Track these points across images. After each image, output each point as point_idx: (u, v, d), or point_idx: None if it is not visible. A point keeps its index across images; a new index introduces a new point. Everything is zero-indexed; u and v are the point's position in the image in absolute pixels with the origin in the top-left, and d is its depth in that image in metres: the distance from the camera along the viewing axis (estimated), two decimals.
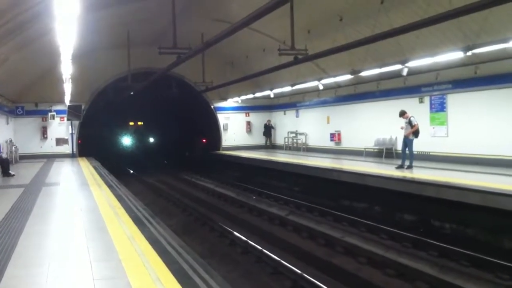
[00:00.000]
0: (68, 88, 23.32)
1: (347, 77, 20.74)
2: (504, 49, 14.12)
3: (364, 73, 19.51)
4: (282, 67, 18.33)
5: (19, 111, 27.30)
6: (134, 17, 20.92)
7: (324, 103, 26.52)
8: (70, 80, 21.36)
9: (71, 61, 16.75)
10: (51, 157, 27.26)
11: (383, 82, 20.87)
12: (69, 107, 27.33)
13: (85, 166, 22.58)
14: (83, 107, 27.84)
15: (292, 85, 24.71)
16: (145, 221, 9.11)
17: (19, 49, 17.76)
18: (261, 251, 10.70)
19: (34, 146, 27.84)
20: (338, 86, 24.06)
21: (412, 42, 16.50)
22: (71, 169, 21.42)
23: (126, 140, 40.48)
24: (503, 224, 10.86)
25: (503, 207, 10.59)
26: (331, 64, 21.39)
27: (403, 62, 16.85)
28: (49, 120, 27.87)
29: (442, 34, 15.42)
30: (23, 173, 19.18)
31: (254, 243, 11.34)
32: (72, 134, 28.45)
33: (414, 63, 16.66)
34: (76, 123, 28.27)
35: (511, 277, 8.72)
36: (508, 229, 10.79)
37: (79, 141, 29.10)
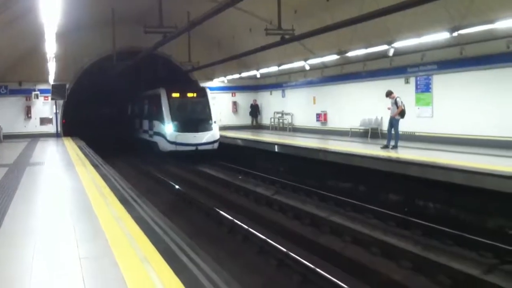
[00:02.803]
0: (52, 67, 23.05)
1: (334, 57, 20.75)
2: (490, 30, 14.20)
3: (350, 54, 19.54)
4: (269, 47, 18.27)
5: (2, 91, 26.97)
6: None
7: (310, 84, 26.52)
8: (54, 59, 21.10)
9: (55, 39, 16.53)
10: (35, 137, 27.04)
11: (370, 63, 20.91)
12: (53, 86, 27.00)
13: (70, 145, 22.44)
14: (67, 86, 27.51)
15: (279, 65, 24.67)
16: (132, 201, 9.09)
17: (2, 28, 17.49)
18: (247, 230, 10.76)
19: (18, 125, 27.59)
20: (324, 66, 24.05)
21: (398, 23, 16.50)
22: (55, 148, 21.27)
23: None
24: (487, 204, 11.02)
25: (487, 186, 10.74)
26: (318, 44, 21.34)
27: (389, 43, 16.90)
28: (33, 100, 27.55)
29: (429, 15, 15.43)
30: (7, 153, 19.03)
31: (241, 222, 11.41)
32: (56, 113, 28.20)
33: (400, 44, 16.71)
34: (61, 102, 27.99)
35: (494, 255, 8.85)
36: (491, 209, 10.94)
37: (64, 121, 28.84)
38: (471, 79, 16.67)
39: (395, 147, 16.30)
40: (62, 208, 8.56)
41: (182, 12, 20.83)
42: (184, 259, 5.61)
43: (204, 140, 22.92)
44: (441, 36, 15.17)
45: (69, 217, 7.81)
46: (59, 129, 28.36)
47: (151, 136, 25.06)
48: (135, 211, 8.19)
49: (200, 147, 22.75)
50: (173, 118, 23.02)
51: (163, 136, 23.04)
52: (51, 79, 26.12)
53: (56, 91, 27.09)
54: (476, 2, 14.16)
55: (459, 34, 14.87)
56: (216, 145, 23.37)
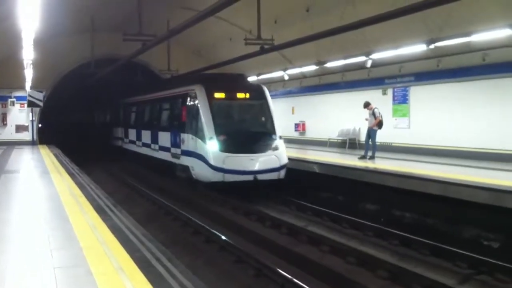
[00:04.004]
0: (29, 74, 22.77)
1: (313, 67, 20.87)
2: (466, 43, 14.44)
3: (329, 64, 19.69)
4: (249, 57, 18.31)
5: None
6: (98, 2, 20.53)
7: (289, 93, 26.63)
8: (32, 66, 20.86)
9: (32, 46, 16.35)
10: (10, 144, 26.61)
11: (348, 74, 21.08)
12: (30, 93, 26.67)
13: (46, 153, 22.15)
14: (44, 93, 27.19)
15: (258, 75, 24.72)
16: (107, 210, 9.01)
17: None
18: (224, 240, 10.70)
19: None
20: (303, 76, 24.18)
21: (377, 34, 16.67)
22: (31, 156, 20.98)
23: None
24: (463, 214, 11.13)
25: (463, 197, 10.88)
26: (297, 55, 21.45)
27: (367, 54, 17.07)
28: (9, 107, 27.13)
29: (407, 27, 15.62)
30: None
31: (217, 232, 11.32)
32: (32, 121, 27.84)
33: (378, 55, 16.89)
34: (37, 110, 27.64)
35: (469, 265, 8.93)
36: (467, 219, 11.06)
37: (40, 128, 28.50)
38: (447, 91, 16.91)
39: (372, 157, 16.43)
40: (37, 216, 8.44)
41: (162, 20, 20.78)
42: (160, 268, 5.57)
43: (266, 166, 15.31)
44: (419, 48, 15.38)
45: (44, 225, 7.71)
46: (35, 137, 27.99)
47: (175, 156, 17.82)
48: (110, 219, 8.11)
49: (260, 177, 15.13)
50: (219, 131, 15.40)
51: (202, 159, 15.42)
52: (28, 86, 25.79)
53: (33, 98, 26.74)
54: (453, 15, 14.38)
55: (436, 47, 15.09)
56: (283, 173, 15.64)
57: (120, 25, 20.23)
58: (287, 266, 9.12)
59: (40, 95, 26.80)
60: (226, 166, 14.89)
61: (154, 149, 20.68)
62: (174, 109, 18.75)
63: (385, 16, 11.43)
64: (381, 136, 17.60)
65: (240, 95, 16.55)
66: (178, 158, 17.50)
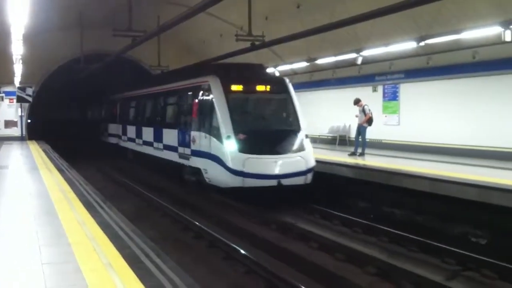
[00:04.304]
0: (18, 69, 22.63)
1: (303, 64, 20.89)
2: (456, 41, 14.50)
3: (320, 61, 19.71)
4: (239, 53, 18.27)
5: None
6: None
7: None
8: (21, 61, 20.74)
9: (21, 42, 16.27)
10: None
11: (339, 71, 21.11)
12: (19, 88, 26.51)
13: (35, 149, 22.03)
14: (33, 88, 27.03)
15: None
16: (97, 206, 8.98)
17: None
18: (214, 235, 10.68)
19: None
20: (294, 73, 24.17)
21: (367, 31, 16.71)
22: (20, 152, 20.85)
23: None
24: (452, 211, 11.19)
25: (452, 194, 10.94)
26: (288, 51, 21.46)
27: (358, 51, 17.11)
28: None
29: (397, 25, 15.68)
30: None
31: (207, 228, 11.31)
32: (21, 116, 27.67)
33: (368, 52, 16.94)
34: (26, 105, 27.48)
35: (457, 262, 8.99)
36: (456, 216, 11.13)
37: (29, 123, 28.36)
38: (437, 88, 16.98)
39: (362, 154, 16.49)
40: (26, 212, 8.40)
41: (152, 16, 20.70)
42: (148, 264, 5.55)
43: (291, 169, 13.43)
44: (409, 45, 15.44)
45: (32, 221, 7.67)
46: (24, 132, 27.83)
47: (184, 156, 15.95)
48: (99, 216, 8.08)
49: (285, 181, 13.24)
50: (237, 129, 13.59)
51: (217, 160, 13.59)
52: (17, 81, 25.63)
53: (22, 94, 26.59)
54: (442, 12, 14.44)
55: (426, 44, 15.15)
56: (310, 178, 13.83)
57: (110, 20, 20.13)
58: None
59: (29, 90, 26.63)
60: (246, 169, 13.02)
61: (157, 148, 18.90)
62: (183, 103, 16.77)
63: (375, 13, 11.45)
64: (371, 133, 17.66)
65: (260, 88, 14.63)
66: (187, 159, 15.61)
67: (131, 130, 23.14)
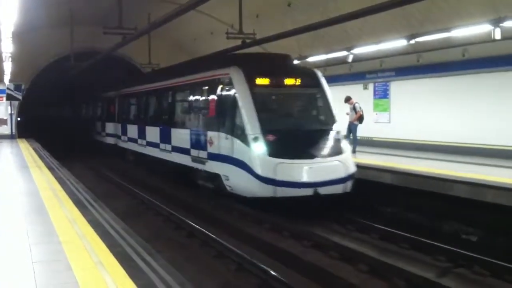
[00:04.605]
0: (8, 67, 22.49)
1: (294, 62, 20.88)
2: (446, 39, 14.57)
3: (310, 59, 19.72)
4: (230, 51, 18.26)
5: None
6: None
7: None
8: (10, 59, 20.61)
9: (11, 39, 16.17)
10: None
11: (329, 68, 21.12)
12: (8, 86, 26.33)
13: (25, 147, 21.91)
14: (23, 86, 26.87)
15: None
16: (87, 204, 8.95)
17: None
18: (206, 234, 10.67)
19: None
20: None
21: (358, 29, 16.75)
22: (10, 150, 20.74)
23: None
24: (442, 208, 11.25)
25: (442, 191, 11.01)
26: (279, 49, 21.38)
27: (349, 49, 17.15)
28: None
29: (388, 23, 15.73)
30: None
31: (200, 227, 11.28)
32: (11, 114, 27.51)
33: (359, 50, 16.98)
34: (16, 103, 27.32)
35: (448, 259, 9.03)
36: (446, 213, 11.18)
37: (19, 121, 28.22)
38: (427, 86, 17.06)
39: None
40: (16, 210, 8.36)
41: (142, 13, 20.63)
42: (140, 262, 5.55)
43: (330, 176, 11.59)
44: (399, 43, 15.49)
45: (23, 220, 7.64)
46: (14, 130, 27.67)
47: (198, 160, 14.12)
48: (90, 214, 8.06)
49: (322, 190, 11.40)
50: (266, 129, 11.83)
51: (243, 166, 11.82)
52: (7, 79, 25.47)
53: (12, 92, 26.42)
54: (433, 11, 14.50)
55: (416, 42, 15.21)
56: (350, 186, 11.99)
57: (100, 18, 20.07)
58: None
59: (19, 88, 26.48)
60: (278, 177, 11.23)
61: (164, 150, 17.02)
62: (197, 100, 14.76)
63: (366, 12, 11.48)
64: (362, 131, 17.71)
65: (289, 81, 12.83)
66: (203, 163, 13.79)
67: (132, 130, 21.36)
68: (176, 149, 15.96)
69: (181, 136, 15.58)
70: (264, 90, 12.65)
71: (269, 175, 11.24)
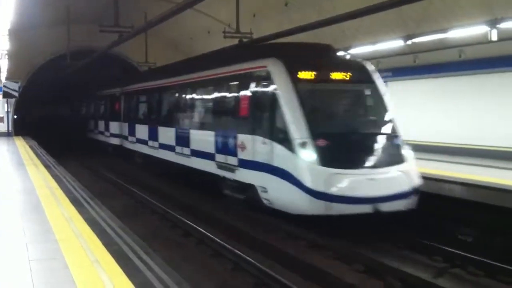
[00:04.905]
0: (4, 65, 22.45)
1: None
2: (442, 40, 14.62)
3: None
4: (227, 50, 18.26)
5: None
6: None
7: None
8: (7, 57, 20.58)
9: (7, 37, 16.14)
10: None
11: None
12: (5, 84, 26.28)
13: (21, 145, 21.87)
14: (19, 84, 26.81)
15: None
16: (84, 202, 8.96)
17: None
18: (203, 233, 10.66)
19: None
20: None
21: (355, 29, 16.77)
22: (6, 148, 20.71)
23: None
24: (441, 208, 11.24)
25: (439, 192, 11.04)
26: None
27: (345, 49, 17.16)
28: None
29: (384, 23, 15.76)
30: None
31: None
32: (8, 112, 27.47)
33: (356, 51, 16.99)
34: (12, 101, 27.27)
35: (444, 259, 9.04)
36: (442, 213, 11.19)
37: (16, 119, 28.17)
38: (424, 86, 17.10)
39: None
40: (12, 209, 8.36)
41: (139, 12, 20.62)
42: (136, 261, 5.56)
43: (392, 190, 9.79)
44: (396, 43, 15.53)
45: (19, 218, 7.64)
46: (10, 128, 27.63)
47: (226, 167, 12.30)
48: (87, 212, 8.07)
49: (383, 206, 9.61)
50: (315, 133, 10.02)
51: (287, 176, 10.00)
52: (3, 76, 25.42)
53: (8, 89, 26.36)
54: (430, 11, 14.54)
55: (413, 42, 15.25)
56: (414, 201, 10.09)
57: (97, 16, 20.05)
58: None
59: (15, 86, 26.42)
60: (331, 191, 9.43)
61: (181, 154, 15.19)
62: (224, 97, 13.04)
63: (363, 12, 11.50)
64: None
65: (337, 76, 10.85)
66: (232, 171, 11.91)
67: (142, 130, 19.34)
68: (197, 153, 14.06)
69: (203, 139, 13.70)
70: (310, 86, 10.73)
71: (321, 188, 9.44)
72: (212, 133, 13.07)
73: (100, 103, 27.07)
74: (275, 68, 10.74)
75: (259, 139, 10.78)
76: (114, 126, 23.54)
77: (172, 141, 15.91)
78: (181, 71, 16.18)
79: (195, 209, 13.27)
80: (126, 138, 21.73)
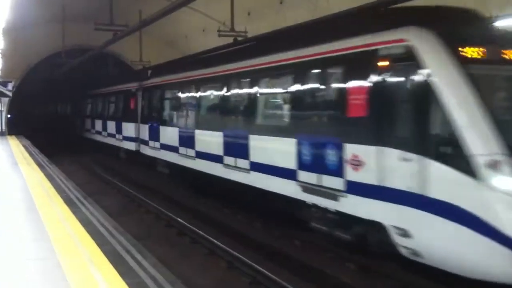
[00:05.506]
0: None
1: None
2: None
3: None
4: (221, 49, 18.21)
5: None
6: None
7: None
8: (0, 55, 20.50)
9: (1, 36, 16.08)
10: None
11: None
12: None
13: (15, 144, 21.79)
14: (13, 83, 26.69)
15: None
16: (77, 202, 8.92)
17: None
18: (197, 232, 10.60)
19: None
20: None
21: None
22: (0, 147, 20.62)
23: None
24: None
25: None
26: None
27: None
28: None
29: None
30: None
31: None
32: (1, 111, 27.35)
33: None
34: (6, 99, 27.15)
35: None
36: None
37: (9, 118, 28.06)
38: None
39: None
40: (5, 208, 8.33)
41: (134, 10, 20.54)
42: (130, 260, 5.53)
43: None
44: None
45: (13, 218, 7.60)
46: (4, 127, 27.51)
47: (319, 191, 8.56)
48: (80, 212, 8.03)
49: None
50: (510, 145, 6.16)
51: (461, 217, 6.10)
52: None
53: (2, 88, 26.26)
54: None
55: None
56: None
57: (92, 15, 19.95)
58: None
59: (9, 85, 26.33)
60: None
61: (234, 167, 11.50)
62: (319, 89, 9.00)
63: (358, 11, 11.45)
64: None
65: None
66: (334, 198, 8.24)
67: (169, 134, 15.79)
68: (261, 168, 10.45)
69: (274, 148, 10.07)
70: (487, 70, 7.10)
71: None
72: (292, 140, 9.31)
73: (108, 102, 24.50)
74: (423, 42, 7.03)
75: (393, 152, 7.11)
76: (128, 128, 20.31)
77: (218, 150, 12.18)
78: (234, 57, 12.45)
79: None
80: (146, 143, 18.06)
